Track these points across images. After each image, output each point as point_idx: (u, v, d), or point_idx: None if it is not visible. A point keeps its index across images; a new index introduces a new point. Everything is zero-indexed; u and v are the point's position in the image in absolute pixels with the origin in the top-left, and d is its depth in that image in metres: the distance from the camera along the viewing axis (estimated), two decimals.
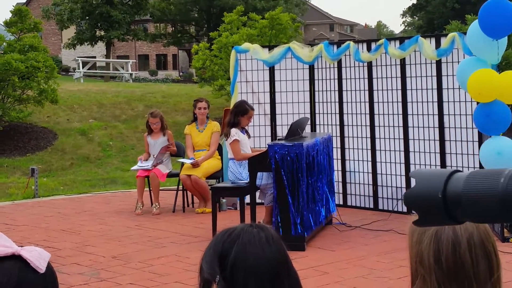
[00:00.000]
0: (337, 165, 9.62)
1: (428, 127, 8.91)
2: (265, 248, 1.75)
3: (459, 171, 1.29)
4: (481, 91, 6.70)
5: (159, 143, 9.91)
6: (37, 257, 1.44)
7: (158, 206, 9.68)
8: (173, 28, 48.63)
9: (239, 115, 8.39)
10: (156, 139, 9.96)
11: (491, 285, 1.71)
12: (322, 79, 9.96)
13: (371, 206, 9.44)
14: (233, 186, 8.13)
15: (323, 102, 9.97)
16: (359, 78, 9.54)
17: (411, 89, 9.03)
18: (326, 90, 9.91)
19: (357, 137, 9.60)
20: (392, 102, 9.22)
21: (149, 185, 9.81)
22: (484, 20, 6.64)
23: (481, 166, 8.29)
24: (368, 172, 9.49)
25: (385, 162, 9.31)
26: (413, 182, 1.31)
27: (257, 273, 1.71)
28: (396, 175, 9.21)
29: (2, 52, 19.34)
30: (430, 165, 8.88)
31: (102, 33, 43.91)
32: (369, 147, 9.47)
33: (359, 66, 9.52)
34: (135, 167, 10.05)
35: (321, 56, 9.68)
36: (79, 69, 37.60)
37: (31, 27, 20.27)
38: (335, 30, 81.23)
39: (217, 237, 1.81)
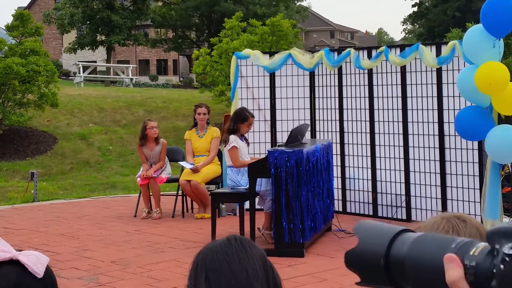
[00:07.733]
0: (336, 171, 9.62)
1: (428, 134, 8.91)
2: (227, 251, 1.68)
3: (410, 230, 1.13)
4: (491, 80, 6.56)
5: (154, 153, 9.92)
6: (35, 261, 1.43)
7: (159, 211, 9.72)
8: (174, 34, 48.62)
9: (238, 122, 8.37)
10: (152, 150, 9.93)
11: None
12: (322, 86, 9.97)
13: (371, 213, 9.43)
14: (233, 192, 8.12)
15: (323, 108, 9.97)
16: (360, 85, 9.54)
17: (411, 97, 9.04)
18: (327, 97, 9.92)
19: (357, 144, 9.60)
20: (392, 109, 9.22)
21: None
22: (487, 18, 6.59)
23: (481, 174, 8.28)
24: (367, 179, 9.49)
25: (385, 169, 9.31)
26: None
27: (216, 277, 1.65)
28: (395, 182, 9.21)
29: (3, 56, 19.33)
30: (430, 172, 8.87)
31: (103, 37, 43.94)
32: (369, 154, 9.47)
33: (359, 73, 9.52)
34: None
35: (322, 63, 9.68)
36: (79, 73, 37.58)
37: (32, 31, 20.24)
38: (336, 37, 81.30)
39: None
